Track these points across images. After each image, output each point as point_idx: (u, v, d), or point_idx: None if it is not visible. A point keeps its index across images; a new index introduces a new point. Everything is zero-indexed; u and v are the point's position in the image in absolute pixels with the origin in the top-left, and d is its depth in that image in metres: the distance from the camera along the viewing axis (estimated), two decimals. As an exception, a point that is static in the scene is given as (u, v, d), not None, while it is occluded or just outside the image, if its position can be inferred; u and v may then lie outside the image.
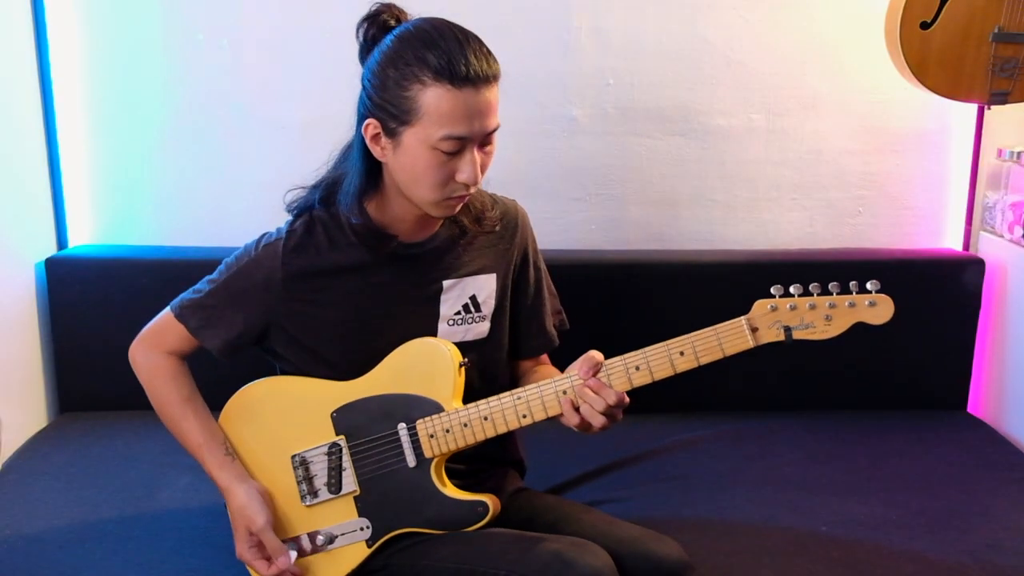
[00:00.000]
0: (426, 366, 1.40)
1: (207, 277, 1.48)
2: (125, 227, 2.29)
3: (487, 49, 1.30)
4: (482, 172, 1.34)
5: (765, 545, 1.67)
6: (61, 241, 2.23)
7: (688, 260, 2.27)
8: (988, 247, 2.32)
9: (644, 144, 2.33)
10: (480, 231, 1.48)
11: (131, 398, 2.13)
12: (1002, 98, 1.99)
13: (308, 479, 1.43)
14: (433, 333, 1.45)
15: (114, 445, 1.99)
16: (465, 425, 1.36)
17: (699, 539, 1.61)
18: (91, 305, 2.13)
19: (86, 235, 2.28)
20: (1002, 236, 2.29)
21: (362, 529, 1.41)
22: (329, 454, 1.42)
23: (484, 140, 1.32)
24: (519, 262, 1.55)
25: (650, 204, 2.36)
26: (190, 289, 1.49)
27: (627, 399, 1.34)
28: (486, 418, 1.36)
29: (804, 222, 2.39)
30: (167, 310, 1.49)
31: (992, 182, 2.35)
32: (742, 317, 1.33)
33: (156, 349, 1.50)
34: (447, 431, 1.37)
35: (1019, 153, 2.26)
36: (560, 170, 2.30)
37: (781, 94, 2.31)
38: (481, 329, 1.49)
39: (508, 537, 1.37)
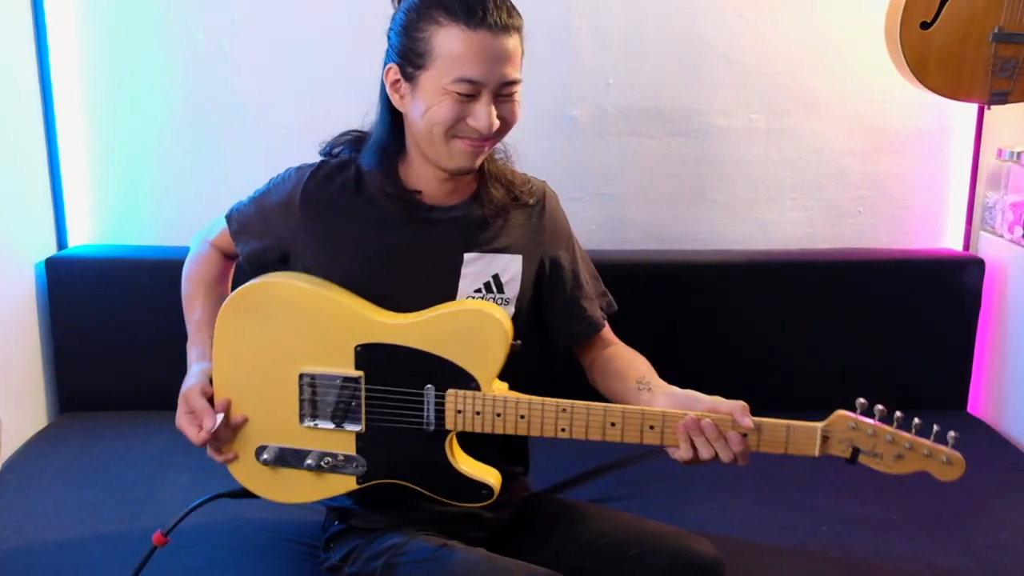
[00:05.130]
0: (476, 337, 1.31)
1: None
2: (125, 227, 2.29)
3: (511, 4, 1.30)
4: (505, 126, 1.32)
5: (765, 545, 1.67)
6: (61, 241, 2.23)
7: (688, 260, 2.27)
8: (988, 247, 2.32)
9: (644, 144, 2.33)
10: (513, 204, 1.44)
11: (131, 398, 2.16)
12: (1002, 98, 1.99)
13: (312, 401, 1.36)
14: None
15: (114, 445, 1.99)
16: (498, 415, 1.30)
17: (699, 539, 1.61)
18: (91, 305, 2.13)
19: (86, 235, 2.29)
20: (1002, 236, 2.29)
21: (356, 466, 1.36)
22: (342, 386, 1.34)
23: (501, 90, 1.29)
24: (551, 246, 1.48)
25: (650, 204, 2.36)
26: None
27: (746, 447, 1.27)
28: (523, 416, 1.30)
29: (804, 222, 2.39)
30: (225, 213, 1.54)
31: (992, 182, 2.35)
32: (819, 425, 1.27)
33: (207, 239, 1.57)
34: (478, 412, 1.31)
35: (1019, 153, 2.26)
36: (560, 170, 2.30)
37: (781, 94, 2.31)
38: (505, 311, 1.41)
39: (477, 562, 1.31)
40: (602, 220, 2.36)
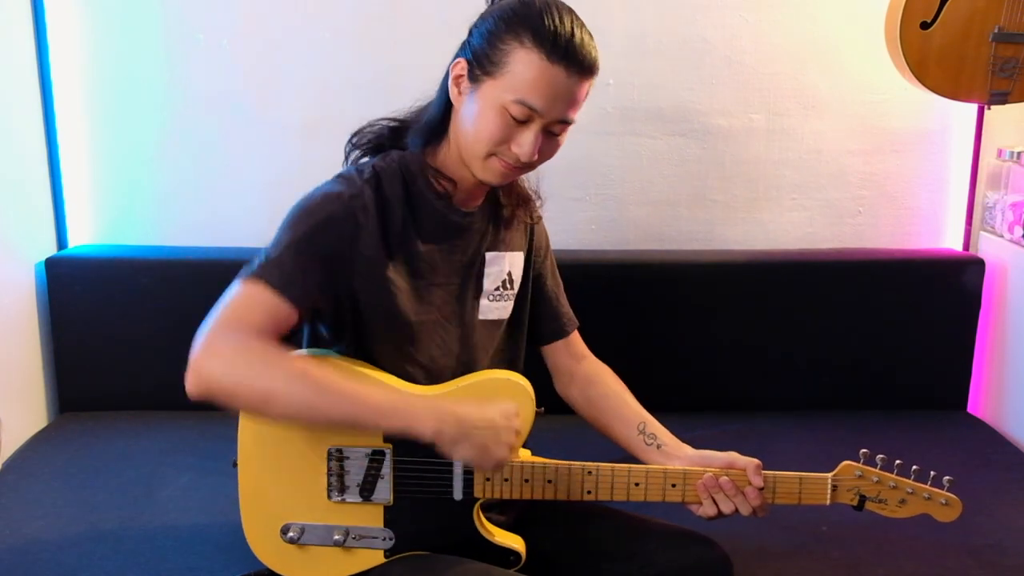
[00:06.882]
0: None
1: (273, 242, 1.28)
2: (125, 227, 2.29)
3: (595, 47, 1.31)
4: (541, 159, 1.32)
5: (765, 545, 1.67)
6: (61, 241, 2.23)
7: (688, 260, 2.27)
8: (988, 247, 2.32)
9: (644, 144, 2.33)
10: (522, 217, 1.48)
11: (131, 398, 2.16)
12: (1002, 98, 1.99)
13: (339, 475, 1.34)
14: (475, 307, 1.42)
15: (114, 445, 1.99)
16: (526, 481, 1.33)
17: (699, 539, 1.61)
18: (91, 305, 2.13)
19: (86, 235, 2.29)
20: (1002, 236, 2.29)
21: (384, 539, 1.35)
22: (371, 459, 1.33)
23: (553, 126, 1.29)
24: (538, 246, 1.54)
25: (650, 204, 2.36)
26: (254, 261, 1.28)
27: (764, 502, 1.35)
28: (550, 481, 1.33)
29: (804, 222, 2.39)
30: (236, 283, 1.24)
31: (992, 182, 2.35)
32: (828, 475, 1.35)
33: (238, 328, 1.21)
34: (506, 480, 1.32)
35: (1019, 153, 2.26)
36: (560, 170, 2.29)
37: (781, 94, 2.31)
38: (508, 307, 1.47)
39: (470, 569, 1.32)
40: (602, 220, 2.36)
